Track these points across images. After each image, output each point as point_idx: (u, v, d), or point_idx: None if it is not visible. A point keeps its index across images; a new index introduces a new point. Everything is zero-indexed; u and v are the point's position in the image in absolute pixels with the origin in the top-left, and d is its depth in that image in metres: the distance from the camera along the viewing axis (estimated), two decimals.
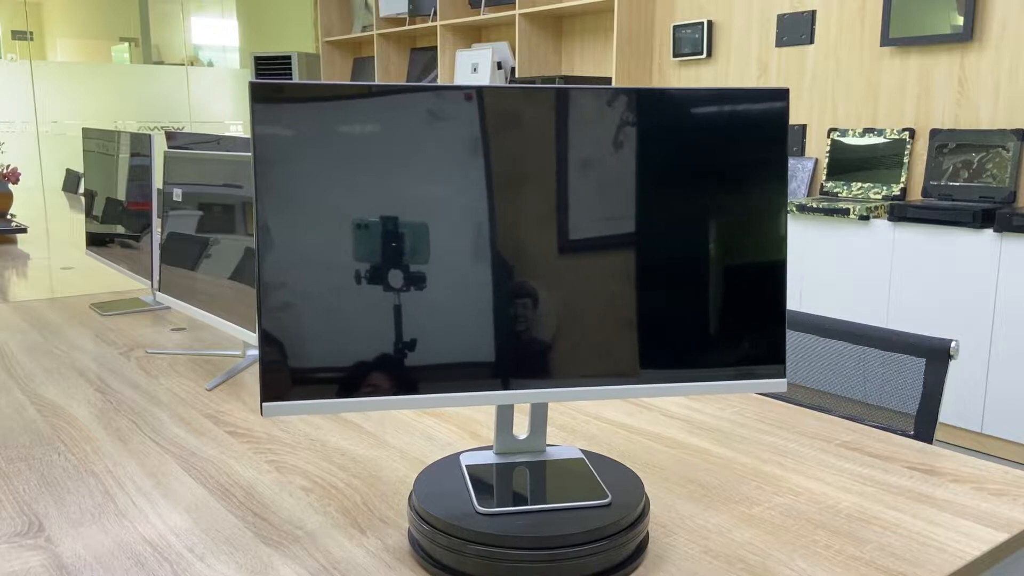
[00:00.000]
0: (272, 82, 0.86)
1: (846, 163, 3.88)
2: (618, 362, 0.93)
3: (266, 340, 0.88)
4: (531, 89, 0.90)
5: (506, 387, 0.92)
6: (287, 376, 0.89)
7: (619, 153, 0.91)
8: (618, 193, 0.92)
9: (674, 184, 0.93)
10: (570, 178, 0.91)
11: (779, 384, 0.97)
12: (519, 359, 0.91)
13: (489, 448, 1.03)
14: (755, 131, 0.93)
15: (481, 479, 0.95)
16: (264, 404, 0.88)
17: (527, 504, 0.90)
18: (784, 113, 0.94)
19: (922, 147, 3.68)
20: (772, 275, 0.95)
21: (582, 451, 1.02)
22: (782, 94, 0.93)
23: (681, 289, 0.94)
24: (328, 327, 0.89)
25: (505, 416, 0.99)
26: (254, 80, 0.84)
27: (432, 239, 0.89)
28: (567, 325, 0.92)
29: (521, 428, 1.30)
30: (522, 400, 0.92)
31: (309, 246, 0.87)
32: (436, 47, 6.02)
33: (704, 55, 4.43)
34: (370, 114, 0.87)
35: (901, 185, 3.69)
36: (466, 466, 0.98)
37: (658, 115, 0.92)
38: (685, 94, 0.92)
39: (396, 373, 0.90)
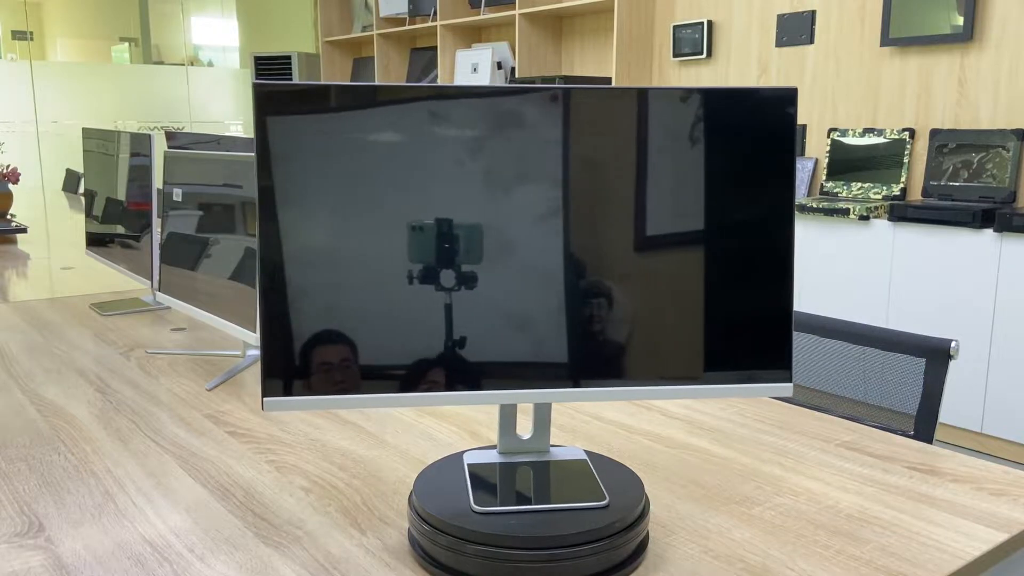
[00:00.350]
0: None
1: (846, 163, 3.88)
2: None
3: (267, 334, 0.88)
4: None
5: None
6: (287, 371, 0.89)
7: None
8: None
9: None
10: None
11: (785, 389, 0.96)
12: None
13: (493, 448, 1.03)
14: (765, 132, 0.93)
15: (481, 478, 0.95)
16: (265, 399, 0.89)
17: (524, 504, 0.90)
18: (793, 114, 0.93)
19: (922, 147, 3.68)
20: (779, 278, 0.95)
21: (586, 452, 1.02)
22: (790, 94, 0.93)
23: (696, 293, 0.94)
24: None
25: (509, 416, 0.99)
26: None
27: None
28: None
29: (522, 428, 1.30)
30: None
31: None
32: (436, 47, 6.02)
33: (704, 55, 4.43)
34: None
35: (901, 185, 3.69)
36: (467, 465, 0.98)
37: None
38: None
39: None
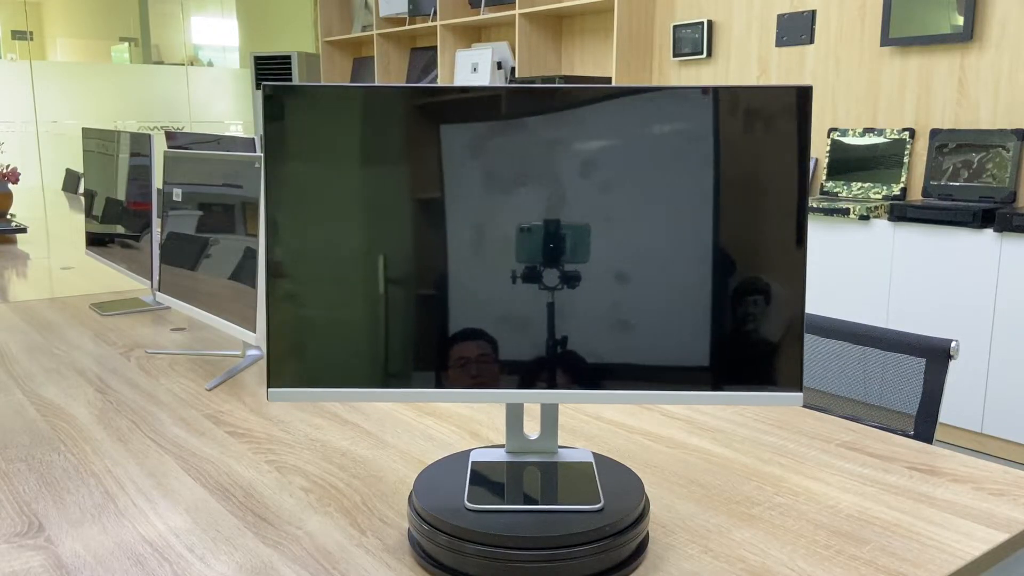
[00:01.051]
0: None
1: (846, 163, 3.88)
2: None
3: (274, 329, 0.88)
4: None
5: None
6: (292, 365, 0.89)
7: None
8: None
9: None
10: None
11: (795, 397, 0.95)
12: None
13: (501, 447, 1.03)
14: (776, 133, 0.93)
15: (482, 477, 0.95)
16: (270, 390, 0.90)
17: (522, 504, 0.90)
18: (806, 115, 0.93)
19: (922, 147, 3.68)
20: (793, 282, 0.94)
21: (593, 454, 1.02)
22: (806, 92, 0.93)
23: (711, 298, 0.93)
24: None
25: (515, 415, 0.99)
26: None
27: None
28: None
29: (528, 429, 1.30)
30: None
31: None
32: (436, 47, 6.02)
33: (704, 55, 4.43)
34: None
35: (901, 185, 3.69)
36: (472, 463, 0.98)
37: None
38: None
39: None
